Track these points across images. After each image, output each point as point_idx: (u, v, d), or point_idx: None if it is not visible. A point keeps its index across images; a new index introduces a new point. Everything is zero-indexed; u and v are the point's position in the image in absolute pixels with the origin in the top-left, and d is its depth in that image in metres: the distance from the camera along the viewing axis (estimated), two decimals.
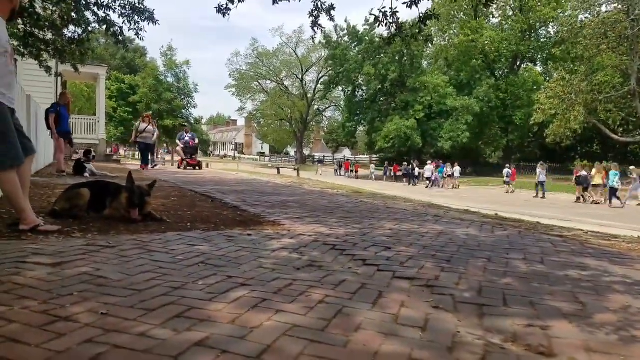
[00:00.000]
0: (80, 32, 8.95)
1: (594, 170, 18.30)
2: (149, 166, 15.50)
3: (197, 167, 18.01)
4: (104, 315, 1.75)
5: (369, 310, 1.99)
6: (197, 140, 19.65)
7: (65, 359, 1.39)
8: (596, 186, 18.12)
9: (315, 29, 5.74)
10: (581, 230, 5.49)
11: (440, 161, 30.51)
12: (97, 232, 3.45)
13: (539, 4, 34.48)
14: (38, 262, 2.47)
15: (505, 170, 25.21)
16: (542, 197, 20.09)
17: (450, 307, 2.10)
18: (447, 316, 1.98)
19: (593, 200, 18.13)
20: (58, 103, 10.18)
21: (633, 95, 25.52)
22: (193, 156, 18.55)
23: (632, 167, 18.87)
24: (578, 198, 18.74)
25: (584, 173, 19.02)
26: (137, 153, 33.17)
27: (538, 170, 21.06)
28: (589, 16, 27.25)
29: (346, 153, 71.36)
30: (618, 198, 16.67)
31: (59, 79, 16.61)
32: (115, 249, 2.90)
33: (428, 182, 27.90)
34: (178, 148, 18.66)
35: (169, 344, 1.53)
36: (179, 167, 18.23)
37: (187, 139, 18.35)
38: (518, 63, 40.09)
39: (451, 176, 27.44)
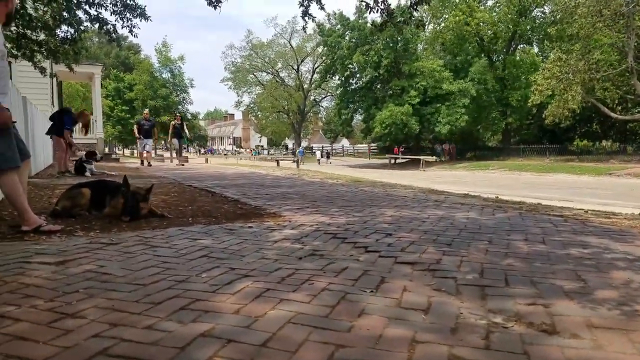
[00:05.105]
0: (72, 32, 8.92)
1: None
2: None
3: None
4: (110, 311, 1.76)
5: (371, 296, 2.00)
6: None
7: (73, 354, 1.41)
8: None
9: (306, 18, 5.72)
10: (582, 209, 5.50)
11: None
12: (99, 230, 3.47)
13: None
14: (42, 262, 2.48)
15: None
16: None
17: (453, 290, 2.11)
18: (450, 298, 2.00)
19: None
20: (75, 120, 10.02)
21: (630, 72, 25.32)
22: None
23: None
24: None
25: None
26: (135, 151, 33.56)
27: None
28: None
29: (344, 143, 71.29)
30: None
31: (54, 79, 16.54)
32: (118, 245, 2.91)
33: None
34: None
35: (174, 335, 1.55)
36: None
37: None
38: (514, 45, 39.78)
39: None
